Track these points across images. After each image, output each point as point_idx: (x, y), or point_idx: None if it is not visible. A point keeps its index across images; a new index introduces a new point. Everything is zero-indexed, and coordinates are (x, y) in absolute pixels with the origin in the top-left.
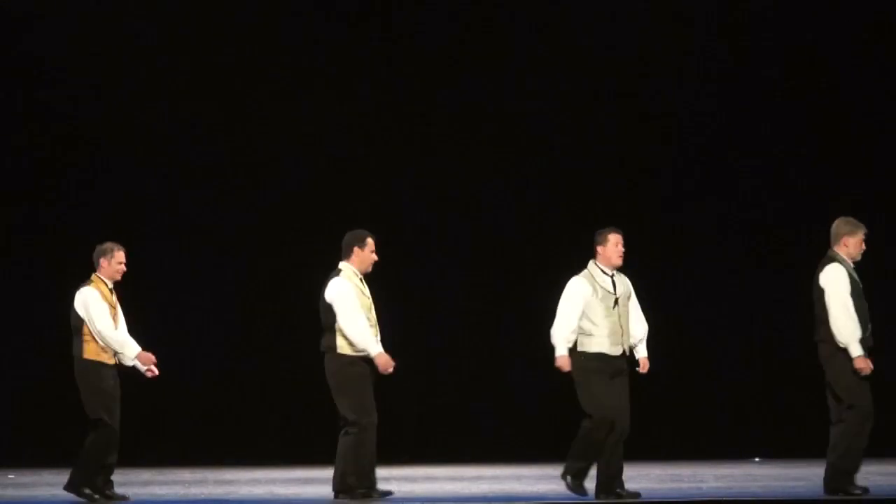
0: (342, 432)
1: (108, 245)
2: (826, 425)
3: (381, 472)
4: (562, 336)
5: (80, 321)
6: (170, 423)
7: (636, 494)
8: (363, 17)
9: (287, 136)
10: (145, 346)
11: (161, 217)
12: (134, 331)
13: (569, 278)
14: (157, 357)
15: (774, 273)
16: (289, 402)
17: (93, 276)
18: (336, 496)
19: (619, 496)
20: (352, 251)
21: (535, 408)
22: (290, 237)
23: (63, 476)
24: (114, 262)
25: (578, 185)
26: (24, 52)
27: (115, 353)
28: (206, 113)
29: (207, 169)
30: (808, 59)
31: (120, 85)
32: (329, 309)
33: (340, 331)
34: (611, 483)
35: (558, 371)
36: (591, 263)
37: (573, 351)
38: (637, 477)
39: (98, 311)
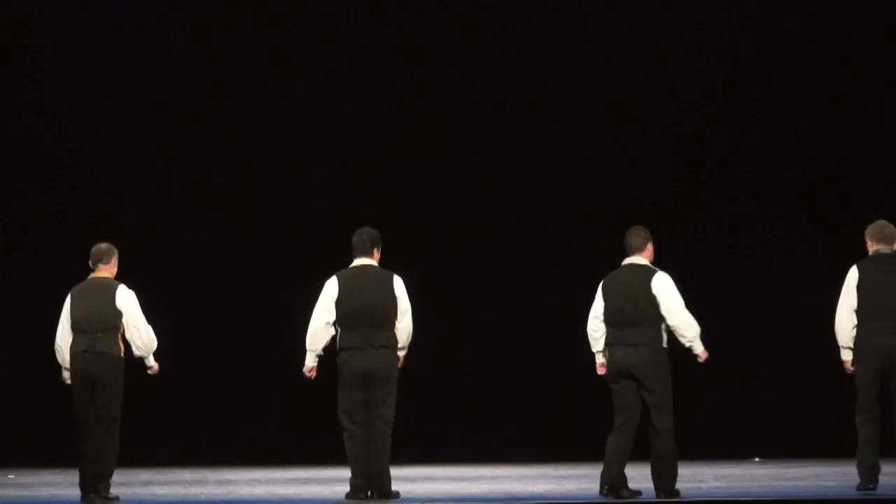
0: (384, 433)
1: (110, 245)
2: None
3: None
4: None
5: (120, 318)
6: (170, 423)
7: (636, 494)
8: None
9: (287, 135)
10: None
11: (162, 216)
12: None
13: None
14: (156, 356)
15: (775, 272)
16: (288, 402)
17: (107, 273)
18: (388, 498)
19: (620, 496)
20: (373, 250)
21: (536, 408)
22: (291, 236)
23: (63, 476)
24: (116, 261)
25: (577, 187)
26: (20, 50)
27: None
28: (201, 108)
29: (203, 167)
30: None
31: (113, 82)
32: (396, 306)
33: (396, 327)
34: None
35: (555, 372)
36: (644, 260)
37: (662, 348)
38: (637, 477)
39: (140, 310)
